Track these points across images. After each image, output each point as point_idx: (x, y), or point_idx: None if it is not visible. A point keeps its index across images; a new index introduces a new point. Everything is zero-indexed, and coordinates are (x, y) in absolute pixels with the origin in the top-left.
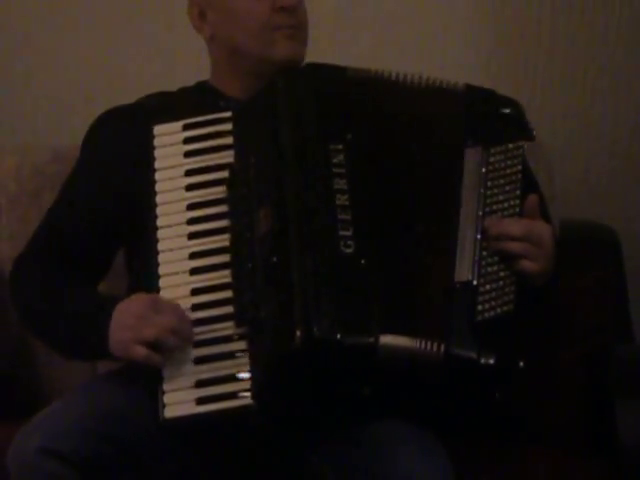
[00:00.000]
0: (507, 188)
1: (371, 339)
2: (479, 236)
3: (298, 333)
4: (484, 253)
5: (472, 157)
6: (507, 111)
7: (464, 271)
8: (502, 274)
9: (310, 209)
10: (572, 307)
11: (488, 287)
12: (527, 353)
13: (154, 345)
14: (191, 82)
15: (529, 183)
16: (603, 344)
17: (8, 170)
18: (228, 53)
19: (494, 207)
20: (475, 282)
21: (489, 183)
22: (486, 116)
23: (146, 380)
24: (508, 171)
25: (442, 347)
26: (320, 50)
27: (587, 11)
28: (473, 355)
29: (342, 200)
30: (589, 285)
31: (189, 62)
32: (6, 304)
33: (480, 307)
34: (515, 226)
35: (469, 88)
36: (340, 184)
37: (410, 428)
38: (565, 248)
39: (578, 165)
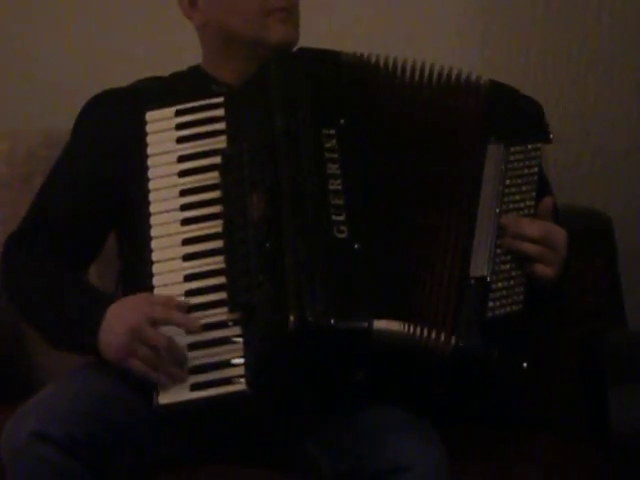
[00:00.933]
0: (524, 188)
1: (365, 324)
2: (496, 233)
3: (291, 318)
4: (498, 250)
5: (494, 153)
6: (530, 111)
7: (479, 266)
8: (514, 273)
9: (303, 194)
10: (565, 292)
11: (500, 285)
12: (531, 353)
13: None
14: (187, 65)
15: (543, 185)
16: (596, 329)
17: (0, 154)
18: (221, 39)
19: (511, 206)
20: (489, 278)
21: (507, 181)
22: (509, 114)
23: None
24: (526, 171)
25: (452, 339)
26: (313, 35)
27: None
28: (479, 351)
29: (335, 185)
30: (582, 270)
31: (185, 46)
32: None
33: (491, 304)
34: (533, 227)
35: (493, 84)
36: (332, 169)
37: (405, 415)
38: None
39: (571, 151)
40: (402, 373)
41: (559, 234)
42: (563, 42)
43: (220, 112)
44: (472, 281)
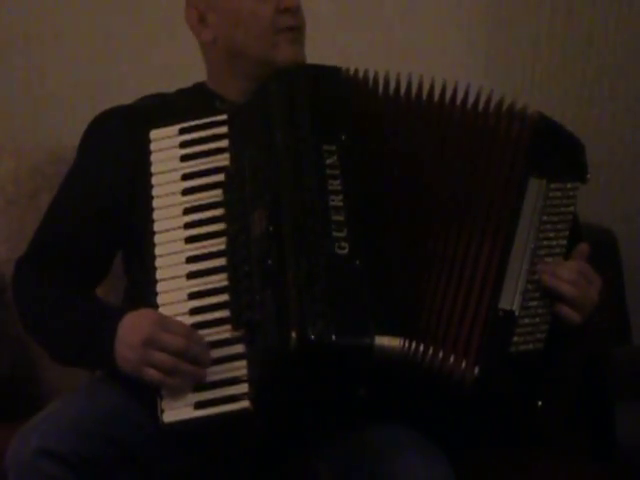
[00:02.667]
0: (559, 227)
1: (366, 340)
2: (529, 268)
3: (293, 335)
4: (529, 286)
5: (535, 188)
6: (573, 149)
7: (509, 299)
8: (540, 311)
9: (304, 211)
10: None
11: (526, 321)
12: (546, 393)
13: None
14: (190, 83)
15: (576, 226)
16: (601, 346)
17: (6, 171)
18: (229, 56)
19: (544, 243)
20: (517, 313)
21: (545, 218)
22: (554, 149)
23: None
24: (562, 209)
25: (475, 369)
26: (319, 51)
27: (585, 12)
28: (500, 385)
29: (336, 201)
30: None
31: (190, 64)
32: (6, 307)
33: (515, 339)
34: (572, 269)
35: (541, 116)
36: (334, 185)
37: (411, 433)
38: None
39: None
40: (410, 392)
41: (595, 280)
42: (567, 57)
43: (223, 129)
44: (501, 313)
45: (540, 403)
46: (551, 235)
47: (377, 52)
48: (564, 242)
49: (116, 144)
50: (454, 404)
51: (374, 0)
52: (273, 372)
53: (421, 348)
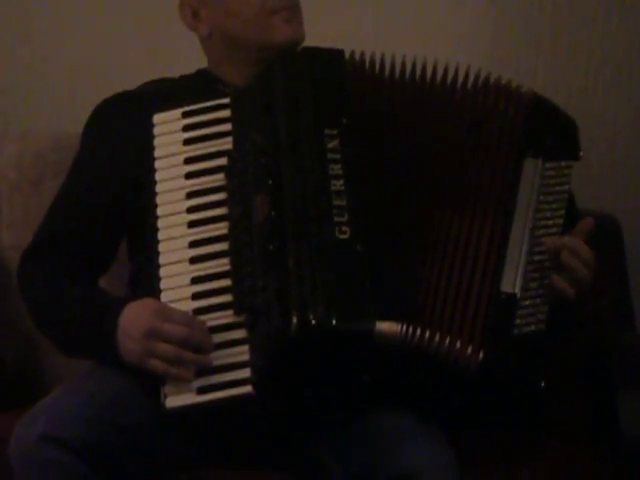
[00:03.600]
0: (554, 206)
1: (367, 325)
2: (528, 249)
3: (294, 319)
4: (529, 267)
5: (531, 168)
6: (567, 128)
7: (510, 282)
8: (541, 291)
9: (304, 195)
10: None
11: (528, 302)
12: (549, 372)
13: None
14: (193, 68)
15: (571, 204)
16: (605, 333)
17: (9, 157)
18: (228, 46)
19: (541, 223)
20: (519, 295)
21: (541, 197)
22: (548, 129)
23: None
24: (557, 189)
25: (480, 353)
26: (323, 34)
27: (588, 14)
28: (506, 368)
29: (337, 186)
30: None
31: (191, 47)
32: (9, 294)
33: (518, 321)
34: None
35: (535, 96)
36: (335, 169)
37: (415, 421)
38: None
39: None
40: (416, 378)
41: (591, 257)
42: (571, 46)
43: (226, 113)
44: (503, 296)
45: (543, 383)
46: (548, 215)
47: (381, 39)
48: (560, 221)
49: (120, 129)
50: (459, 389)
51: None
52: (275, 357)
53: (427, 334)
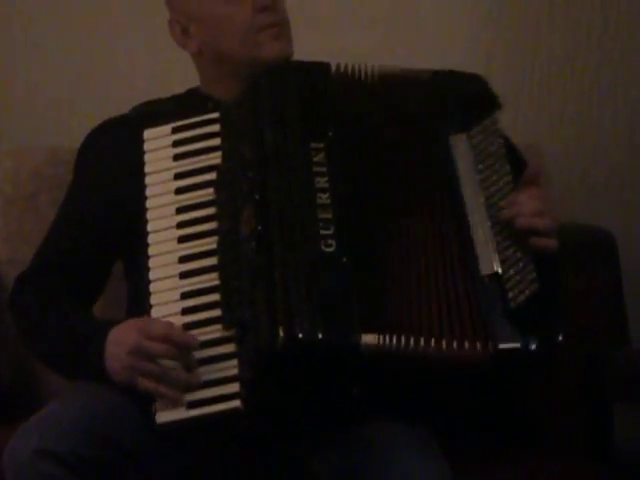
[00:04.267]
0: (497, 167)
1: (353, 338)
2: (489, 223)
3: (280, 334)
4: (498, 239)
5: (459, 145)
6: (475, 88)
7: (488, 263)
8: (519, 255)
9: (290, 209)
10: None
11: (512, 272)
12: (560, 323)
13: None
14: (191, 84)
15: (513, 153)
16: (600, 348)
17: (5, 172)
18: (218, 63)
19: (492, 189)
20: (500, 271)
21: (480, 166)
22: (459, 99)
23: None
24: (492, 149)
25: (489, 344)
26: (318, 50)
27: (585, 12)
28: (520, 345)
29: (323, 199)
30: (586, 288)
31: (187, 65)
32: (4, 308)
33: (511, 294)
34: (535, 202)
35: (435, 74)
36: (321, 182)
37: (409, 431)
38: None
39: (576, 168)
40: (409, 388)
41: (545, 204)
42: (567, 57)
43: (216, 128)
44: (487, 280)
45: (561, 337)
46: (494, 178)
47: (377, 53)
48: (509, 177)
49: (112, 156)
50: (459, 393)
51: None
52: (262, 371)
53: (412, 342)
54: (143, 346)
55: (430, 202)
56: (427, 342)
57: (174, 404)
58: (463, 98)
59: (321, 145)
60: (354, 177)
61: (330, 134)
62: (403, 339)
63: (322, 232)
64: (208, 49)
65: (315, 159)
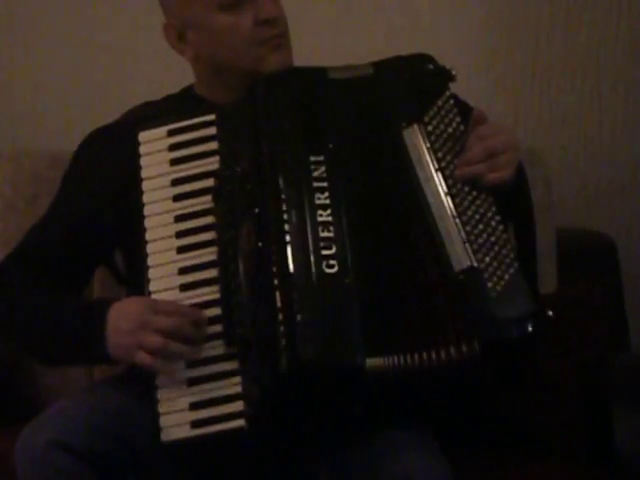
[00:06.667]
0: (457, 147)
1: (357, 362)
2: (456, 215)
3: (284, 358)
4: (467, 228)
5: (412, 139)
6: (420, 70)
7: (460, 258)
8: (493, 239)
9: (290, 228)
10: (569, 315)
11: (488, 259)
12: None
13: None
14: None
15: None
16: (600, 353)
17: (5, 175)
18: (214, 70)
19: (455, 174)
20: (475, 263)
21: (439, 155)
22: (406, 86)
23: (147, 385)
24: (450, 130)
25: (474, 343)
26: (319, 54)
27: (586, 19)
28: (508, 334)
29: (324, 216)
30: (586, 293)
31: (187, 70)
32: None
33: (490, 284)
34: (472, 151)
35: (377, 65)
36: (321, 199)
37: (410, 434)
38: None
39: (576, 173)
40: (403, 401)
41: (498, 134)
42: (568, 65)
43: (212, 131)
44: (461, 276)
45: (550, 313)
46: (455, 162)
47: (375, 55)
48: None
49: (106, 160)
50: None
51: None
52: (268, 392)
53: (416, 358)
54: (152, 320)
55: (401, 212)
56: (418, 357)
57: (178, 419)
58: (409, 83)
59: (321, 158)
60: (356, 191)
61: (331, 146)
62: (402, 359)
63: (323, 252)
64: (205, 57)
65: (315, 174)
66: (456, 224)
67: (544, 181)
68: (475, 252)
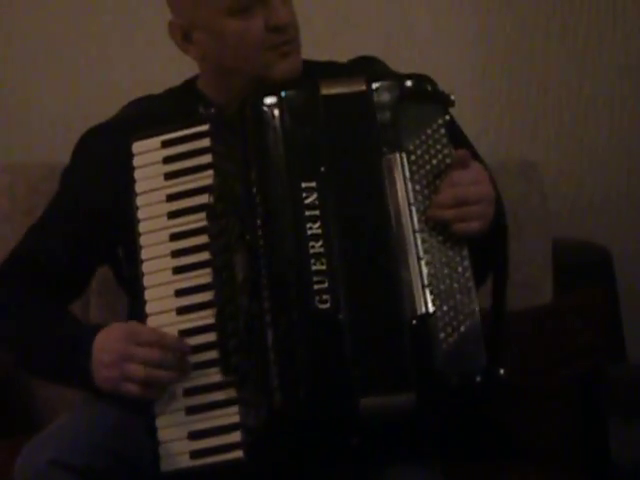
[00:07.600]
0: (438, 183)
1: (351, 403)
2: (422, 255)
3: (277, 398)
4: (431, 271)
5: (391, 167)
6: (416, 93)
7: (417, 303)
8: (456, 285)
9: (281, 261)
10: (565, 326)
11: (445, 307)
12: (504, 357)
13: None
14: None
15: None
16: (596, 363)
17: (1, 188)
18: (220, 72)
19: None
20: (432, 310)
21: (416, 187)
22: (397, 110)
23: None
24: (434, 162)
25: (410, 396)
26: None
27: (581, 30)
28: (446, 389)
29: (316, 247)
30: (582, 304)
31: (190, 73)
32: None
33: (443, 334)
34: (444, 195)
35: (372, 81)
36: (313, 229)
37: (415, 469)
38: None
39: (572, 184)
40: (397, 433)
41: (473, 184)
42: (563, 75)
43: (206, 142)
44: (414, 322)
45: (502, 371)
46: (430, 199)
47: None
48: None
49: (100, 163)
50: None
51: (371, 3)
52: (264, 425)
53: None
54: (133, 353)
55: (375, 245)
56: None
57: (177, 449)
58: (401, 107)
59: (313, 184)
60: (350, 219)
61: (322, 169)
62: (402, 397)
63: (316, 287)
64: (211, 59)
65: (307, 202)
66: (419, 265)
67: (540, 192)
68: (436, 296)
